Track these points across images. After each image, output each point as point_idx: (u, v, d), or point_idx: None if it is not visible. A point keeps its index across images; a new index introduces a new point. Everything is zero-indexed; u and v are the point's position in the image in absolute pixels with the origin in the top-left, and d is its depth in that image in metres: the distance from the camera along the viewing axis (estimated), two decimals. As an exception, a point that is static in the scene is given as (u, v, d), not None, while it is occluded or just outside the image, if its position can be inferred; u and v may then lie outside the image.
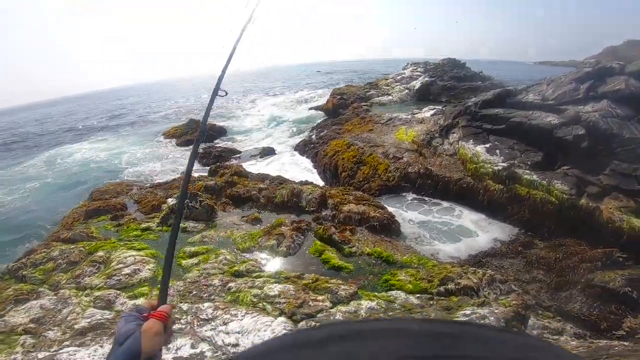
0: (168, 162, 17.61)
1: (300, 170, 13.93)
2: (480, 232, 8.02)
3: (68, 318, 4.22)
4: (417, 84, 22.49)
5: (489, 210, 8.69)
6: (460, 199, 9.28)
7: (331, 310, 4.06)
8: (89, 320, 4.08)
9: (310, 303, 4.14)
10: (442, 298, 4.43)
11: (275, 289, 4.36)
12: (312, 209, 7.37)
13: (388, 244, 6.35)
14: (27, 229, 11.74)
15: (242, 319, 3.83)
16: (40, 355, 3.62)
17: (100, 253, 5.51)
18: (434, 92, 21.29)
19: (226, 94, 1.80)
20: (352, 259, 5.41)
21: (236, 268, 4.98)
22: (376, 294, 4.49)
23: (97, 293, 4.57)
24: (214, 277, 4.76)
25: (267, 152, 17.01)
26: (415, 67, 26.08)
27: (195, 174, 11.48)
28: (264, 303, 4.17)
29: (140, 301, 4.48)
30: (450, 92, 20.97)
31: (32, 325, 4.17)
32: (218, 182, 8.93)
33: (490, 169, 8.99)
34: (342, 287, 4.49)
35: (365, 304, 4.19)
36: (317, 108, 24.83)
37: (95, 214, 7.94)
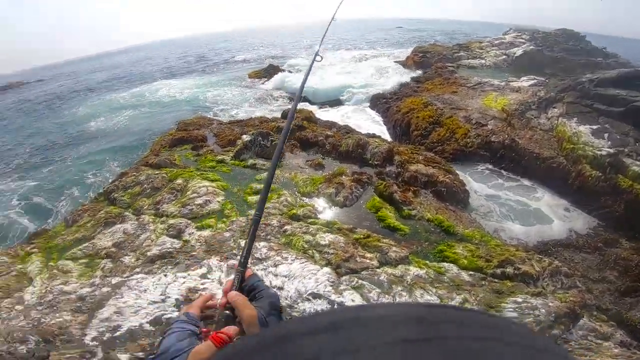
0: (248, 101, 18.55)
1: (368, 122, 13.62)
2: (558, 219, 7.22)
3: (143, 244, 4.71)
4: (518, 51, 19.58)
5: (576, 196, 7.70)
6: (545, 180, 8.33)
7: (377, 270, 4.08)
8: (159, 248, 4.54)
9: (358, 259, 4.20)
10: (496, 280, 4.18)
11: (326, 238, 4.48)
12: (376, 162, 7.25)
13: (452, 213, 6.05)
14: (123, 151, 13.68)
15: (291, 263, 4.01)
16: (114, 280, 4.08)
17: (179, 181, 6.12)
18: (538, 62, 18.28)
19: (322, 59, 1.99)
20: (410, 222, 5.27)
21: (294, 211, 5.21)
22: (427, 262, 4.37)
23: (171, 221, 5.06)
24: (273, 217, 5.03)
25: (337, 101, 16.88)
26: (519, 34, 22.87)
27: (268, 115, 11.90)
28: (313, 251, 4.33)
29: (207, 231, 4.88)
30: (559, 64, 17.89)
31: (113, 249, 4.72)
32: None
33: (590, 153, 7.78)
34: (394, 248, 4.45)
35: (413, 270, 4.12)
36: (398, 62, 23.37)
37: (179, 143, 8.78)
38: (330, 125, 10.10)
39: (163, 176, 6.39)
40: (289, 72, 23.84)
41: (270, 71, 24.02)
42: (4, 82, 53.89)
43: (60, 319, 3.49)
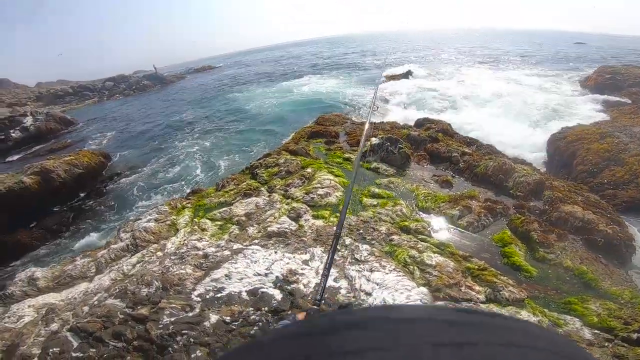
0: (383, 104, 18.62)
1: (518, 144, 11.73)
2: None
3: (267, 220, 5.21)
4: None
5: None
6: None
7: (481, 305, 3.59)
8: (279, 226, 4.96)
9: (463, 288, 3.74)
10: (625, 345, 3.21)
11: (434, 259, 4.15)
12: (518, 193, 6.25)
13: (601, 266, 4.81)
14: (270, 134, 15.72)
15: (387, 273, 3.86)
16: (235, 246, 4.62)
17: (309, 170, 6.62)
18: None
19: (377, 108, 2.49)
20: (541, 265, 4.45)
21: (406, 223, 4.98)
22: (546, 311, 3.63)
23: (294, 204, 5.51)
24: (383, 223, 4.93)
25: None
26: None
27: (401, 122, 11.57)
28: (415, 267, 4.06)
29: (320, 222, 5.11)
30: None
31: (243, 218, 5.37)
32: (421, 134, 8.75)
33: None
34: (510, 288, 3.82)
35: (524, 315, 3.49)
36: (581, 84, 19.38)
37: (315, 136, 9.50)
38: (470, 141, 9.20)
39: (297, 163, 7.04)
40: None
41: (408, 76, 23.65)
42: (199, 65, 70.42)
43: (183, 271, 4.12)
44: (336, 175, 6.39)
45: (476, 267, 4.13)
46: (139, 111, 28.15)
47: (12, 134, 20.23)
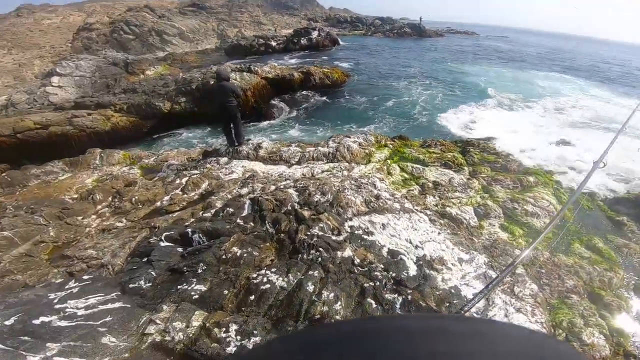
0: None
1: None
2: None
3: (451, 199, 4.95)
4: None
5: None
6: None
7: None
8: (458, 212, 4.61)
9: None
10: None
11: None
12: None
13: None
14: None
15: (531, 323, 3.14)
16: (407, 204, 4.56)
17: (532, 179, 5.63)
18: None
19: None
20: None
21: (603, 293, 3.59)
22: None
23: (489, 202, 4.95)
24: (574, 278, 3.76)
25: None
26: None
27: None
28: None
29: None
30: None
31: (430, 184, 5.27)
32: None
33: None
34: None
35: None
36: None
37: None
38: None
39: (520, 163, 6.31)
40: None
41: None
42: (468, 28, 67.13)
43: (353, 199, 4.49)
44: (559, 201, 5.16)
45: None
46: (389, 52, 30.02)
47: (301, 41, 27.91)
